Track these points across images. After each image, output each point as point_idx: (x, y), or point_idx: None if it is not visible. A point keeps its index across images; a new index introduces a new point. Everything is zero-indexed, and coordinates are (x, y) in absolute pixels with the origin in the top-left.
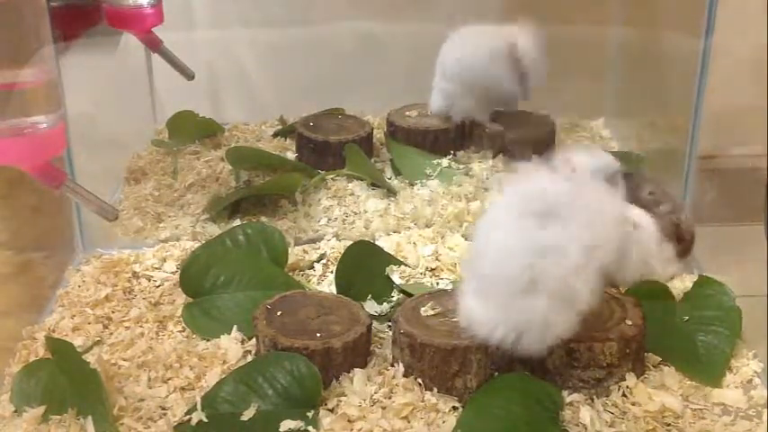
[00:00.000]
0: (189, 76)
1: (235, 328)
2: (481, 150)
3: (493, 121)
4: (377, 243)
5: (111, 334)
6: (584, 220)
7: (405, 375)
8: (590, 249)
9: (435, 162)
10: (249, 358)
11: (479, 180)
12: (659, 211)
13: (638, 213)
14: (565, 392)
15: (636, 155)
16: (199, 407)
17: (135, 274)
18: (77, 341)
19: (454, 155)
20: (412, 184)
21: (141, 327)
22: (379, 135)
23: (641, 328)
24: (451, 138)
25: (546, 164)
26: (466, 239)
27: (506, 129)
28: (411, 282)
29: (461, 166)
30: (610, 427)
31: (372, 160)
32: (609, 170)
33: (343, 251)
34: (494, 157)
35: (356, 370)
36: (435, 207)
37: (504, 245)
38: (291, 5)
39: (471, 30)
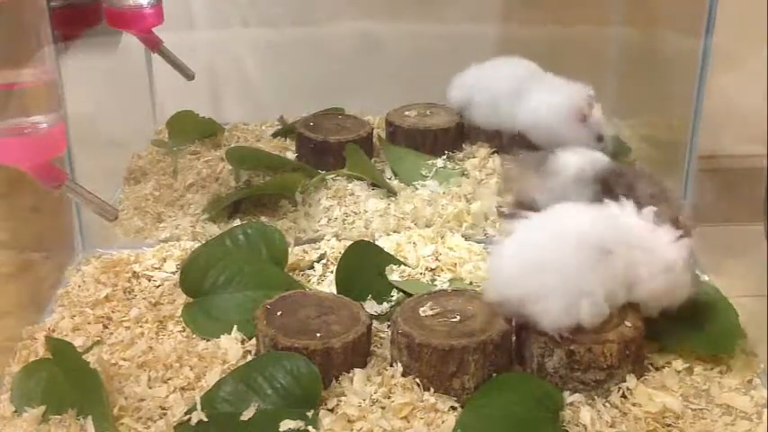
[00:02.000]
0: (189, 76)
1: (235, 328)
2: (477, 143)
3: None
4: (377, 243)
5: (111, 334)
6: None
7: (403, 375)
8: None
9: (430, 163)
10: (249, 358)
11: (476, 180)
12: (659, 210)
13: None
14: (565, 393)
15: (623, 143)
16: (198, 407)
17: (135, 274)
18: (77, 341)
19: (449, 155)
20: (408, 185)
21: (141, 327)
22: (380, 135)
23: (640, 329)
24: (451, 137)
25: (538, 161)
26: (466, 239)
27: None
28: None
29: (456, 167)
30: (610, 427)
31: (372, 160)
32: (596, 167)
33: (343, 251)
34: (490, 155)
35: (356, 370)
36: (435, 207)
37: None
38: (291, 5)
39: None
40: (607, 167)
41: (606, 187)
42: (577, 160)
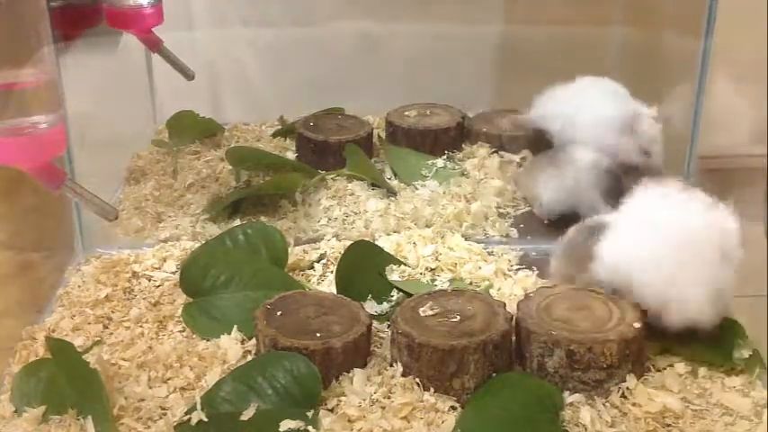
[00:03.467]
0: (189, 76)
1: (235, 328)
2: (477, 143)
3: None
4: (377, 243)
5: (111, 334)
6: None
7: (403, 375)
8: None
9: (430, 162)
10: (249, 358)
11: (476, 180)
12: None
13: None
14: (565, 393)
15: None
16: (198, 406)
17: (135, 274)
18: (77, 341)
19: (449, 155)
20: (408, 185)
21: (141, 327)
22: (380, 135)
23: (640, 329)
24: (451, 137)
25: (547, 160)
26: (466, 239)
27: None
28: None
29: (456, 167)
30: (610, 427)
31: (372, 160)
32: (607, 163)
33: (343, 251)
34: (490, 155)
35: (356, 370)
36: (435, 207)
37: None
38: (291, 5)
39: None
40: (619, 161)
41: (618, 180)
42: (592, 153)
